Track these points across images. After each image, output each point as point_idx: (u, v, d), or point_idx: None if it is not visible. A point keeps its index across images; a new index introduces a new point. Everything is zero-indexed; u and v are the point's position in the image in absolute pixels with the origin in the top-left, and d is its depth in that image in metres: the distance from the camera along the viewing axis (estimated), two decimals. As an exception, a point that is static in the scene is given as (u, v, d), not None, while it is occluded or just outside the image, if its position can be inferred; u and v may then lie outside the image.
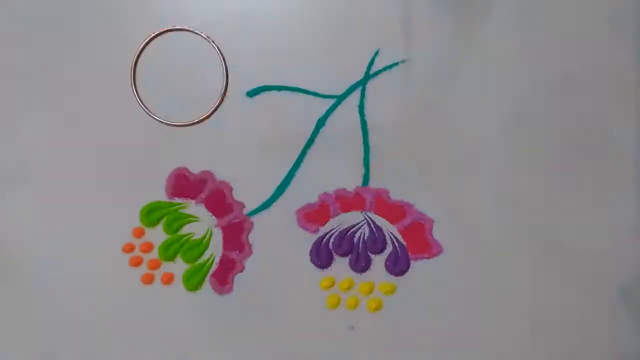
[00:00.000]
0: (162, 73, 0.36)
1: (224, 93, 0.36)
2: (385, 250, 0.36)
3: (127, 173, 0.36)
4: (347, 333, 0.36)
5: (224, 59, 0.36)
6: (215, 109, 0.36)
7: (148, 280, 0.36)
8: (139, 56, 0.36)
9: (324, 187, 0.36)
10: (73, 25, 0.36)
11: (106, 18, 0.36)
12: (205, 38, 0.36)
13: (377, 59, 0.36)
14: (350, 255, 0.36)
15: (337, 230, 0.36)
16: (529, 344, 0.36)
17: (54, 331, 0.36)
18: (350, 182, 0.36)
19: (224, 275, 0.36)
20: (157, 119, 0.36)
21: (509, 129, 0.36)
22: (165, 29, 0.36)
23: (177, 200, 0.36)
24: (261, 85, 0.36)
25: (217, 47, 0.36)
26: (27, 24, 0.36)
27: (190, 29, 0.36)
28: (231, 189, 0.36)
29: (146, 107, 0.36)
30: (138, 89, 0.36)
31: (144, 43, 0.36)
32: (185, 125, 0.36)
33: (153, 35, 0.36)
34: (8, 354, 0.36)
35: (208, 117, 0.36)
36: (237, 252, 0.36)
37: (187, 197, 0.36)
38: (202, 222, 0.36)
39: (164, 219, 0.36)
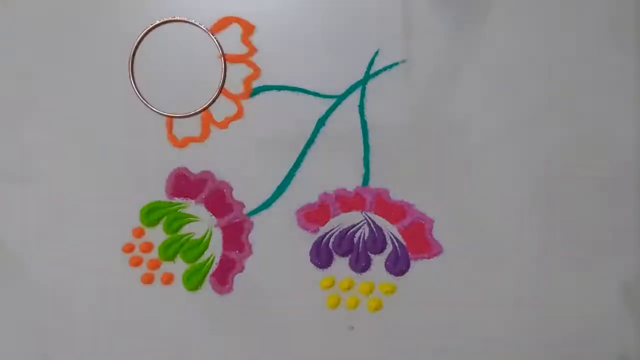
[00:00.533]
0: (161, 66, 0.36)
1: (221, 87, 0.36)
2: (385, 250, 0.36)
3: (127, 173, 0.36)
4: (347, 333, 0.36)
5: (223, 55, 0.36)
6: (213, 101, 0.36)
7: (148, 280, 0.36)
8: (136, 48, 0.36)
9: (324, 187, 0.36)
10: (71, 20, 0.36)
11: (105, 13, 0.36)
12: (205, 30, 0.36)
13: (377, 59, 0.36)
14: (350, 255, 0.36)
15: (337, 230, 0.36)
16: (529, 344, 0.36)
17: (54, 331, 0.36)
18: (350, 182, 0.36)
19: (224, 275, 0.36)
20: (156, 111, 0.36)
21: (508, 129, 0.36)
22: (163, 19, 0.36)
23: (177, 200, 0.36)
24: (261, 85, 0.36)
25: (216, 40, 0.36)
26: (25, 21, 0.36)
27: (190, 21, 0.36)
28: (231, 189, 0.36)
29: (144, 99, 0.36)
30: (137, 84, 0.36)
31: (141, 35, 0.36)
32: (184, 116, 0.36)
33: (151, 26, 0.36)
34: (8, 354, 0.36)
35: (205, 109, 0.36)
36: (237, 252, 0.36)
37: (187, 197, 0.36)
38: (202, 222, 0.36)
39: (164, 219, 0.36)
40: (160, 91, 0.36)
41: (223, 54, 0.36)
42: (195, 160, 0.36)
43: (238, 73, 0.36)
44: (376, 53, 0.36)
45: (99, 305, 0.36)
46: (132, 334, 0.36)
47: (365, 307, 0.36)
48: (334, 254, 0.36)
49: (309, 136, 0.36)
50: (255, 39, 0.36)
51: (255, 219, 0.36)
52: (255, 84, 0.36)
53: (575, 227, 0.36)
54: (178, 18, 0.36)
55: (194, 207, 0.36)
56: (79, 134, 0.36)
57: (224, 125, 0.36)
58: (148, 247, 0.36)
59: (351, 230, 0.36)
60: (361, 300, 0.36)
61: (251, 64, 0.36)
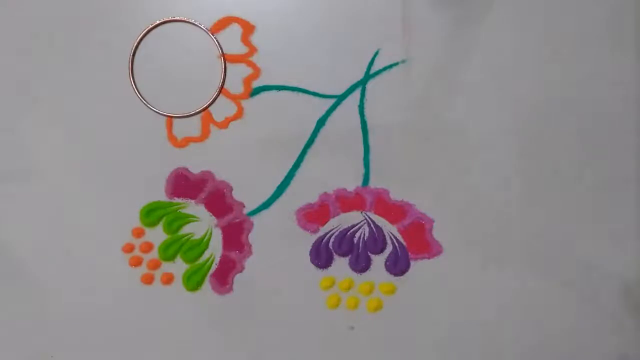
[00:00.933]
0: (161, 66, 0.36)
1: (221, 87, 0.36)
2: (385, 250, 0.36)
3: (127, 173, 0.36)
4: (347, 333, 0.36)
5: (223, 55, 0.36)
6: (213, 101, 0.36)
7: (148, 280, 0.36)
8: (136, 48, 0.36)
9: (324, 187, 0.36)
10: (71, 20, 0.36)
11: (105, 13, 0.36)
12: (205, 30, 0.36)
13: (377, 59, 0.36)
14: (350, 255, 0.36)
15: (337, 230, 0.36)
16: (529, 343, 0.36)
17: (54, 331, 0.36)
18: (350, 182, 0.36)
19: (224, 275, 0.36)
20: (156, 111, 0.36)
21: (509, 129, 0.36)
22: (163, 19, 0.36)
23: (177, 200, 0.36)
24: (261, 85, 0.36)
25: (216, 40, 0.36)
26: (25, 21, 0.36)
27: (190, 21, 0.36)
28: (231, 189, 0.36)
29: (144, 99, 0.36)
30: (137, 84, 0.36)
31: (141, 35, 0.36)
32: (184, 116, 0.36)
33: (151, 26, 0.36)
34: (7, 354, 0.36)
35: (205, 109, 0.36)
36: (237, 252, 0.36)
37: (187, 197, 0.36)
38: (202, 222, 0.36)
39: (164, 219, 0.36)
40: (160, 91, 0.36)
41: (223, 54, 0.36)
42: (195, 160, 0.36)
43: (238, 73, 0.36)
44: (376, 53, 0.36)
45: (99, 305, 0.36)
46: (132, 334, 0.36)
47: (365, 307, 0.36)
48: (334, 254, 0.36)
49: (309, 136, 0.36)
50: (255, 39, 0.36)
51: (255, 219, 0.36)
52: (255, 84, 0.36)
53: (575, 227, 0.36)
54: (178, 18, 0.36)
55: (194, 207, 0.36)
56: (79, 134, 0.36)
57: (224, 125, 0.36)
58: (148, 247, 0.36)
59: (351, 230, 0.36)
60: (361, 300, 0.36)
61: (251, 64, 0.36)
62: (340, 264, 0.36)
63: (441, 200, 0.36)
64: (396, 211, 0.36)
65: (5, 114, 0.36)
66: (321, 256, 0.36)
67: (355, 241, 0.36)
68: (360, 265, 0.36)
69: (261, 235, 0.36)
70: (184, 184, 0.36)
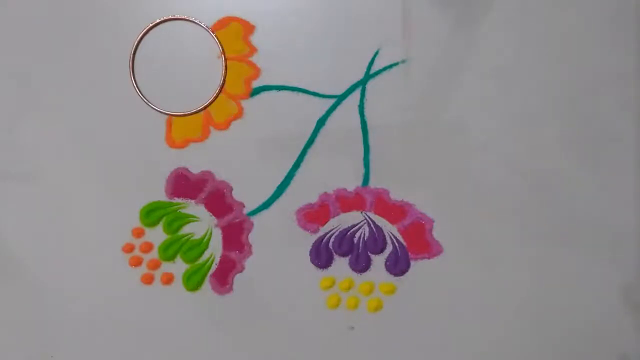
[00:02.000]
0: (161, 66, 0.36)
1: (221, 87, 0.36)
2: (385, 250, 0.36)
3: (127, 173, 0.36)
4: (347, 333, 0.36)
5: (223, 54, 0.36)
6: (213, 101, 0.36)
7: (148, 280, 0.36)
8: (137, 47, 0.36)
9: (324, 187, 0.36)
10: (71, 20, 0.36)
11: (105, 12, 0.36)
12: (205, 29, 0.36)
13: (377, 59, 0.36)
14: (350, 255, 0.36)
15: (337, 230, 0.36)
16: (530, 344, 0.36)
17: (54, 331, 0.36)
18: (350, 182, 0.36)
19: (224, 276, 0.36)
20: (156, 109, 0.36)
21: (509, 129, 0.36)
22: (163, 18, 0.36)
23: (177, 200, 0.36)
24: (261, 85, 0.36)
25: (216, 37, 0.36)
26: (25, 21, 0.36)
27: (191, 19, 0.36)
28: (231, 189, 0.36)
29: (144, 97, 0.36)
30: (138, 83, 0.36)
31: (142, 34, 0.36)
32: (184, 115, 0.36)
33: (152, 25, 0.36)
34: (7, 354, 0.36)
35: (205, 109, 0.36)
36: (237, 252, 0.36)
37: (187, 197, 0.36)
38: (202, 222, 0.36)
39: (164, 219, 0.36)
40: (161, 91, 0.36)
41: (223, 54, 0.36)
42: (195, 160, 0.36)
43: (238, 73, 0.36)
44: (376, 53, 0.36)
45: (98, 305, 0.36)
46: (132, 334, 0.36)
47: (365, 307, 0.36)
48: (334, 254, 0.36)
49: (309, 136, 0.36)
50: (255, 39, 0.36)
51: (255, 219, 0.36)
52: (255, 84, 0.36)
53: (575, 227, 0.36)
54: (179, 16, 0.36)
55: (194, 207, 0.36)
56: (79, 134, 0.36)
57: (224, 125, 0.36)
58: (148, 247, 0.36)
59: (351, 230, 0.36)
60: (361, 301, 0.36)
61: (251, 64, 0.36)
62: (340, 264, 0.36)
63: (441, 200, 0.36)
64: (396, 211, 0.36)
65: (5, 114, 0.36)
66: (321, 256, 0.36)
67: (355, 241, 0.36)
68: (360, 265, 0.36)
69: (261, 235, 0.36)
70: (184, 184, 0.36)
